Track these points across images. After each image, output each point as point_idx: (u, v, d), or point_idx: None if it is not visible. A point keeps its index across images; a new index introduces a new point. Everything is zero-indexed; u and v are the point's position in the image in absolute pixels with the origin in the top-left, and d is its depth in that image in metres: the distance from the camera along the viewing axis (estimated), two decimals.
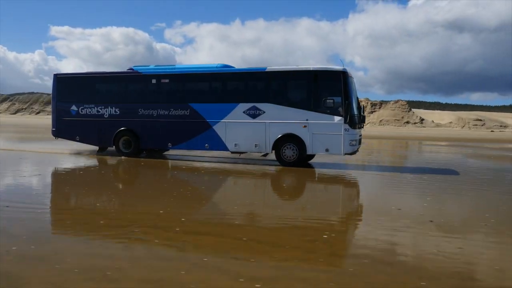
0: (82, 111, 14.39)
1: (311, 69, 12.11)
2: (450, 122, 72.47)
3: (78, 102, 14.47)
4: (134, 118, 13.81)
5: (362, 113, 12.77)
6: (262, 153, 13.05)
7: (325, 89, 11.98)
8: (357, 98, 12.73)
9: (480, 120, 72.16)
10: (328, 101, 11.77)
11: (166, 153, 15.34)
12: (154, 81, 13.71)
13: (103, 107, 14.17)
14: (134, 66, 14.25)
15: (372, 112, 75.40)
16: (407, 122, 71.85)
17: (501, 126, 69.73)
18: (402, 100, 76.99)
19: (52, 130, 14.88)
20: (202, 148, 13.25)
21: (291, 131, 12.16)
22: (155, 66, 14.12)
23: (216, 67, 13.29)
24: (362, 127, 12.80)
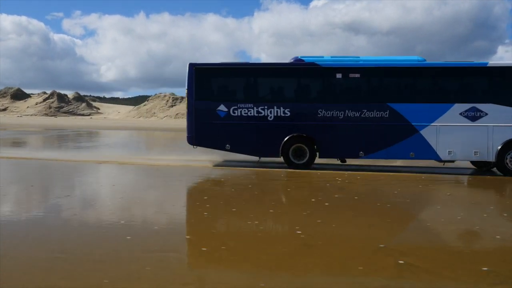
0: (234, 112, 11.30)
1: None
2: None
3: (228, 101, 11.34)
4: (311, 121, 11.15)
5: None
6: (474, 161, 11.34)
7: None
8: None
9: None
10: None
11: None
12: (339, 75, 11.17)
13: (266, 107, 11.24)
14: (301, 56, 11.48)
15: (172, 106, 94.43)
16: None
17: None
18: None
19: (188, 137, 11.52)
20: (405, 157, 11.12)
21: None
22: (332, 57, 11.52)
23: (418, 60, 11.20)
24: None
